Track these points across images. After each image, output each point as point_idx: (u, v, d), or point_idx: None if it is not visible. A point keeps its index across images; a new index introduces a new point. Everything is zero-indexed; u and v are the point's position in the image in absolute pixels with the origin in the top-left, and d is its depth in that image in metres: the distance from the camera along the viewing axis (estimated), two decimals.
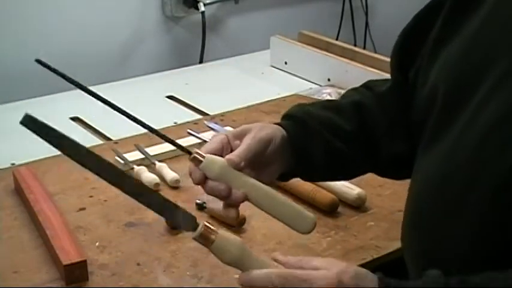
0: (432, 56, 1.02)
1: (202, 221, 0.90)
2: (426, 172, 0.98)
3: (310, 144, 1.04)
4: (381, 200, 1.42)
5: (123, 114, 1.00)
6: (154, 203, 0.91)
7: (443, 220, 0.93)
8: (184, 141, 1.63)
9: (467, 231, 0.90)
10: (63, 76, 0.97)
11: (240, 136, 1.00)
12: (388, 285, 0.87)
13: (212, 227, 0.90)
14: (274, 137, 1.01)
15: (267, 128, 1.01)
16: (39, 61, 0.96)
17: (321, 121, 1.07)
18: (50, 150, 1.60)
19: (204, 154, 0.96)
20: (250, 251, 0.91)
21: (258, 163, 0.99)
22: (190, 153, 0.96)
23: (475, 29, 0.95)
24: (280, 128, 1.04)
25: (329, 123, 1.07)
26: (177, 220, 0.91)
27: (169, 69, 2.19)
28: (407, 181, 1.05)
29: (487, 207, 0.88)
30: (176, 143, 1.03)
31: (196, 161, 0.96)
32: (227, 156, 0.96)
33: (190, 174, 0.97)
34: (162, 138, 1.03)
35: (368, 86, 1.17)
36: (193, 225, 0.90)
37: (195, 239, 0.89)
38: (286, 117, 1.08)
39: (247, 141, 0.98)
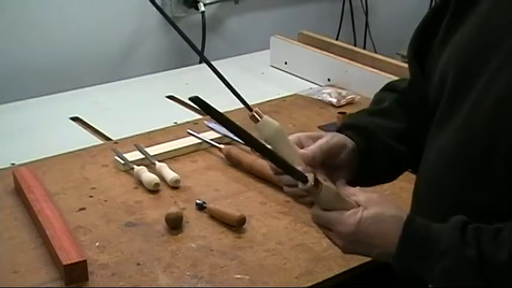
0: (442, 46, 1.08)
1: (311, 174, 0.96)
2: (440, 146, 1.03)
3: (374, 153, 1.09)
4: None
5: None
6: (281, 167, 0.98)
7: (459, 190, 0.98)
8: (184, 141, 1.63)
9: (484, 198, 0.95)
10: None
11: (314, 138, 1.06)
12: (413, 219, 0.94)
13: (319, 179, 0.96)
14: (346, 143, 1.08)
15: (339, 136, 1.09)
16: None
17: (378, 127, 1.13)
18: (50, 150, 1.63)
19: (262, 114, 1.00)
20: (340, 192, 0.99)
21: (330, 166, 1.05)
22: (251, 109, 1.00)
23: (480, 17, 1.02)
24: (348, 138, 1.09)
25: (383, 127, 1.13)
26: (292, 175, 0.98)
27: (169, 69, 2.18)
28: (407, 181, 1.04)
29: (505, 172, 0.93)
30: (242, 98, 1.07)
31: (254, 119, 1.00)
32: (302, 151, 1.02)
33: None
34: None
35: (389, 88, 1.23)
36: (304, 180, 0.96)
37: (306, 190, 0.96)
38: (346, 127, 1.12)
39: (320, 142, 1.05)
